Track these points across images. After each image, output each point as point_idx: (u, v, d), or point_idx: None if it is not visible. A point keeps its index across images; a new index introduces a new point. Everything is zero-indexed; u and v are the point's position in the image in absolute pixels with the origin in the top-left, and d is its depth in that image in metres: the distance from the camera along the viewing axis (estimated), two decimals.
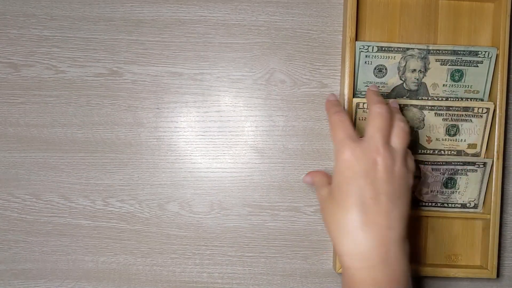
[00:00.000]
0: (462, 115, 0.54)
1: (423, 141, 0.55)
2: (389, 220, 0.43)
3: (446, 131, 0.55)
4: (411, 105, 0.54)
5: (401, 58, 0.54)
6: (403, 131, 0.46)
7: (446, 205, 0.56)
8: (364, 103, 0.53)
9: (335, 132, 0.46)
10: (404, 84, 0.55)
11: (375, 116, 0.45)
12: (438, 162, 0.54)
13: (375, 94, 0.48)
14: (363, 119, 0.54)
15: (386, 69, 0.54)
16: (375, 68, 0.54)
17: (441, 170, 0.55)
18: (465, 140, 0.55)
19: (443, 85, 0.55)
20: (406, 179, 0.45)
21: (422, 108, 0.54)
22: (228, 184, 0.57)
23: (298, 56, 0.57)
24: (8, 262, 0.57)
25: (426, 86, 0.55)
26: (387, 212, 0.43)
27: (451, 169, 0.55)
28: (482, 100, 0.55)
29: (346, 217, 0.44)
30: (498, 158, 0.54)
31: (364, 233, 0.43)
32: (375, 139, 0.44)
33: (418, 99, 0.55)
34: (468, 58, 0.54)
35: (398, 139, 0.46)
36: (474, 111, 0.54)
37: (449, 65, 0.54)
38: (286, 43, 0.56)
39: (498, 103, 0.54)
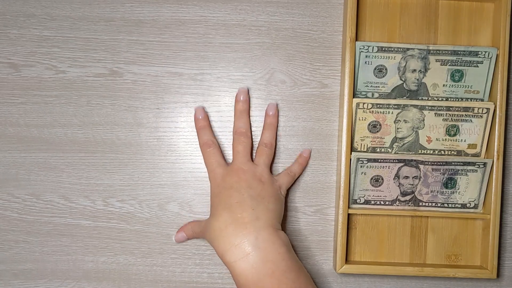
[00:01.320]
0: (462, 115, 0.54)
1: (423, 141, 0.55)
2: (255, 213, 0.49)
3: (446, 131, 0.55)
4: (411, 105, 0.54)
5: (401, 58, 0.54)
6: (264, 150, 0.54)
7: (446, 205, 0.56)
8: (364, 103, 0.54)
9: (208, 162, 0.54)
10: (404, 84, 0.55)
11: (236, 143, 0.54)
12: (438, 162, 0.54)
13: (240, 117, 0.55)
14: (363, 119, 0.54)
15: (386, 69, 0.54)
16: (375, 68, 0.54)
17: (441, 170, 0.55)
18: (465, 140, 0.55)
19: (443, 85, 0.55)
20: (271, 185, 0.52)
21: (422, 108, 0.54)
22: None
23: (298, 56, 0.57)
24: (8, 262, 0.57)
25: (426, 86, 0.55)
26: (252, 208, 0.49)
27: (451, 169, 0.55)
28: (482, 100, 0.55)
29: (218, 221, 0.49)
30: (498, 158, 0.54)
31: (234, 227, 0.48)
32: (236, 161, 0.53)
33: (418, 99, 0.55)
34: (468, 58, 0.54)
35: (260, 157, 0.54)
36: (474, 111, 0.54)
37: (449, 65, 0.55)
38: (286, 43, 0.56)
39: (498, 103, 0.54)
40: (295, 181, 0.57)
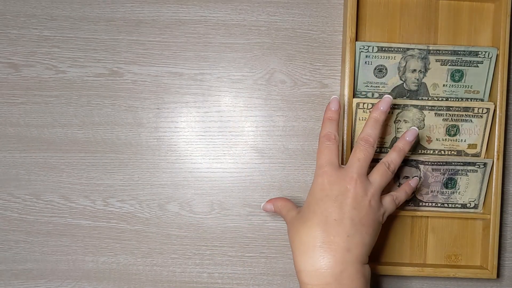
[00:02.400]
0: (462, 115, 0.54)
1: (423, 141, 0.55)
2: (349, 242, 0.45)
3: (446, 131, 0.55)
4: (411, 105, 0.54)
5: (401, 58, 0.54)
6: (385, 171, 0.49)
7: (446, 205, 0.56)
8: (364, 103, 0.53)
9: (320, 156, 0.48)
10: (404, 84, 0.55)
11: (357, 148, 0.48)
12: (438, 162, 0.54)
13: (371, 125, 0.49)
14: (363, 119, 0.54)
15: (386, 69, 0.54)
16: (375, 68, 0.54)
17: (441, 170, 0.55)
18: (465, 140, 0.55)
19: (443, 85, 0.55)
20: (376, 212, 0.48)
21: (422, 108, 0.54)
22: (228, 184, 0.57)
23: (298, 56, 0.57)
24: (8, 262, 0.57)
25: (426, 86, 0.55)
26: (348, 235, 0.45)
27: (451, 169, 0.55)
28: (482, 100, 0.55)
29: (308, 235, 0.46)
30: (498, 158, 0.54)
31: (322, 251, 0.45)
32: (352, 168, 0.47)
33: (418, 99, 0.55)
34: (468, 58, 0.54)
35: (378, 176, 0.49)
36: (474, 111, 0.54)
37: (449, 65, 0.55)
38: (286, 43, 0.57)
39: (498, 103, 0.54)
40: (294, 182, 0.57)
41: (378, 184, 0.48)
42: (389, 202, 0.50)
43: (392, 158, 0.50)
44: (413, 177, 0.54)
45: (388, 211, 0.50)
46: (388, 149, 0.55)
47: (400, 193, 0.52)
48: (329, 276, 0.44)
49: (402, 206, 0.55)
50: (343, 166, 0.49)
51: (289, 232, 0.48)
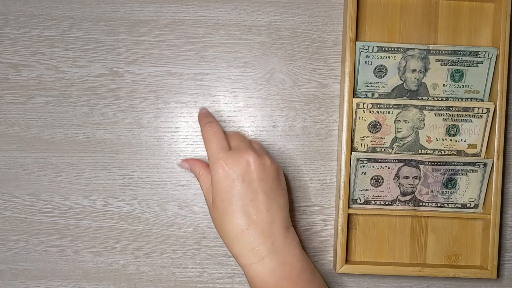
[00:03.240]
0: (462, 115, 0.54)
1: (423, 141, 0.55)
2: (270, 215, 0.47)
3: (446, 131, 0.55)
4: (411, 105, 0.54)
5: (401, 58, 0.54)
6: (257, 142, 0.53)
7: (446, 205, 0.56)
8: (364, 103, 0.54)
9: (209, 144, 0.49)
10: (404, 84, 0.55)
11: (237, 133, 0.51)
12: (438, 162, 0.54)
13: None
14: (363, 119, 0.54)
15: (386, 69, 0.54)
16: (375, 68, 0.54)
17: (441, 170, 0.55)
18: (465, 140, 0.55)
19: (443, 85, 0.55)
20: (277, 169, 0.50)
21: (422, 108, 0.54)
22: None
23: (298, 56, 0.57)
24: (8, 262, 0.57)
25: (426, 86, 0.55)
26: (266, 209, 0.47)
27: (451, 169, 0.55)
28: (482, 100, 0.55)
29: (232, 223, 0.47)
30: (498, 158, 0.54)
31: (249, 232, 0.47)
32: (241, 145, 0.49)
33: (418, 99, 0.55)
34: (468, 58, 0.54)
35: (256, 144, 0.52)
36: (474, 111, 0.54)
37: (449, 65, 0.55)
38: (286, 43, 0.56)
39: (498, 103, 0.54)
40: (294, 182, 0.57)
41: (258, 145, 0.52)
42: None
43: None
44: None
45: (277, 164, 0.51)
46: (388, 149, 0.55)
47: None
48: (263, 251, 0.47)
49: (402, 206, 0.56)
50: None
51: (212, 219, 0.49)
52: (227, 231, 0.47)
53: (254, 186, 0.47)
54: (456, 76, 0.55)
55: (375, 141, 0.55)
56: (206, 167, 0.51)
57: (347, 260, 0.55)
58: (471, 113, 0.54)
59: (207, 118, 0.51)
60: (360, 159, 0.54)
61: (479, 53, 0.54)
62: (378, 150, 0.55)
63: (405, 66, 0.54)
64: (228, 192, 0.47)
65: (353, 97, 0.54)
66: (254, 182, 0.47)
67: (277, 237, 0.47)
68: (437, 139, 0.55)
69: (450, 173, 0.55)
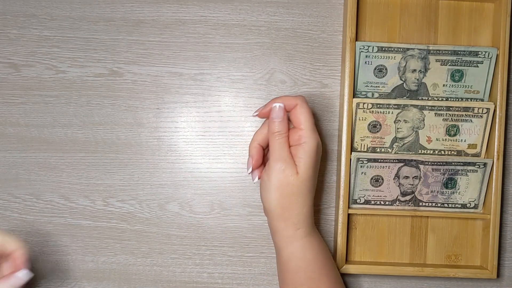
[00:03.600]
0: (462, 115, 0.54)
1: (423, 141, 0.55)
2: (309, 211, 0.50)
3: (446, 131, 0.55)
4: (411, 105, 0.54)
5: (401, 58, 0.54)
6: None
7: (446, 205, 0.56)
8: (364, 103, 0.54)
9: (308, 116, 0.48)
10: (404, 84, 0.55)
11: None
12: (439, 162, 0.54)
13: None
14: (363, 119, 0.54)
15: (386, 69, 0.54)
16: (375, 68, 0.54)
17: (442, 170, 0.55)
18: (465, 140, 0.55)
19: (443, 85, 0.55)
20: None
21: (422, 108, 0.54)
22: (229, 184, 0.57)
23: (298, 56, 0.57)
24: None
25: (426, 86, 0.55)
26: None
27: (452, 169, 0.55)
28: (482, 100, 0.55)
29: (313, 187, 0.50)
30: (498, 158, 0.54)
31: (312, 201, 0.50)
32: (309, 170, 0.49)
33: (418, 99, 0.55)
34: (468, 58, 0.54)
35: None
36: (474, 111, 0.54)
37: (449, 65, 0.55)
38: (286, 43, 0.56)
39: (498, 103, 0.54)
40: None
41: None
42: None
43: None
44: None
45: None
46: (388, 149, 0.55)
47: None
48: (311, 224, 0.50)
49: (402, 206, 0.56)
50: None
51: (287, 191, 0.48)
52: (308, 195, 0.48)
53: (303, 198, 0.49)
54: (456, 76, 0.55)
55: (375, 141, 0.55)
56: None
57: (347, 260, 0.55)
58: (471, 113, 0.54)
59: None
60: (360, 159, 0.54)
61: (479, 53, 0.54)
62: (378, 150, 0.55)
63: (405, 66, 0.54)
64: (317, 161, 0.49)
65: (353, 97, 0.54)
66: (304, 195, 0.49)
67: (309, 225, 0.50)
68: (437, 139, 0.55)
69: (450, 173, 0.55)
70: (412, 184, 0.55)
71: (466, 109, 0.54)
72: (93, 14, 0.56)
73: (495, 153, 0.54)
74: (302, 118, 0.48)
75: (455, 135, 0.55)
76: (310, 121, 0.48)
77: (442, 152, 0.55)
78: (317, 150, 0.48)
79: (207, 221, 0.57)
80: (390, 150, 0.55)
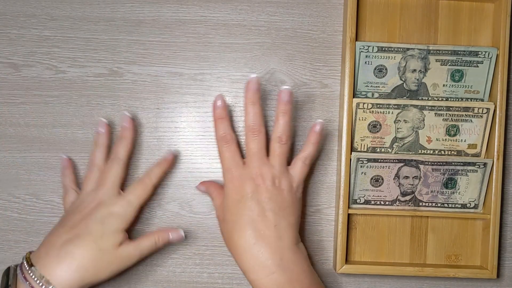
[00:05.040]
0: (462, 115, 0.54)
1: (423, 141, 0.55)
2: (277, 231, 0.48)
3: (446, 131, 0.55)
4: (411, 105, 0.54)
5: (401, 58, 0.54)
6: (279, 150, 0.50)
7: (446, 205, 0.56)
8: (364, 103, 0.54)
9: (222, 160, 0.51)
10: (404, 84, 0.55)
11: (249, 141, 0.50)
12: (439, 162, 0.54)
13: (250, 110, 0.50)
14: (363, 119, 0.54)
15: (386, 69, 0.54)
16: (375, 68, 0.54)
17: (441, 170, 0.55)
18: (465, 140, 0.55)
19: (443, 85, 0.55)
20: (289, 191, 0.50)
21: (422, 108, 0.54)
22: None
23: (298, 56, 0.57)
24: (8, 262, 0.56)
25: (426, 86, 0.55)
26: (274, 225, 0.48)
27: (452, 169, 0.55)
28: (482, 100, 0.55)
29: (241, 237, 0.48)
30: (498, 159, 0.54)
31: (258, 247, 0.48)
32: (253, 164, 0.50)
33: (418, 99, 0.55)
34: (468, 58, 0.54)
35: (276, 158, 0.50)
36: (474, 111, 0.54)
37: (449, 65, 0.55)
38: (286, 43, 0.57)
39: (498, 103, 0.54)
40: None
41: (279, 164, 0.50)
42: (298, 169, 0.51)
43: (280, 129, 0.50)
44: (317, 122, 0.51)
45: (302, 178, 0.51)
46: (388, 149, 0.55)
47: (308, 148, 0.51)
48: (272, 266, 0.47)
49: (402, 206, 0.56)
50: (244, 160, 0.51)
51: (222, 234, 0.51)
52: (237, 245, 0.48)
53: (262, 205, 0.49)
54: (456, 76, 0.55)
55: (375, 141, 0.55)
56: (220, 187, 0.53)
57: (347, 260, 0.55)
58: (471, 113, 0.54)
59: (222, 130, 0.51)
60: (360, 159, 0.54)
61: (479, 53, 0.54)
62: (378, 150, 0.55)
63: (405, 66, 0.54)
64: (237, 207, 0.49)
65: (353, 97, 0.54)
66: (262, 201, 0.49)
67: (285, 253, 0.48)
68: (437, 139, 0.55)
69: (450, 173, 0.55)
70: (412, 184, 0.55)
71: (466, 109, 0.54)
72: (93, 14, 0.56)
73: (495, 153, 0.54)
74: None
75: (455, 135, 0.55)
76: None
77: (442, 152, 0.55)
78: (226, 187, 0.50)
79: (207, 221, 0.57)
80: (390, 150, 0.55)
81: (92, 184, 0.52)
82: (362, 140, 0.55)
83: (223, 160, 0.51)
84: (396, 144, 0.55)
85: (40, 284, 0.45)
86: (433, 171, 0.55)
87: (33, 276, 0.46)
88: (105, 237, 0.48)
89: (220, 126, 0.51)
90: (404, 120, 0.54)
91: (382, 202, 0.55)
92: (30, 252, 0.49)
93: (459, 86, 0.55)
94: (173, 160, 0.55)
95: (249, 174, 0.50)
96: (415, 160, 0.54)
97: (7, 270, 0.48)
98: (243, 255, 0.48)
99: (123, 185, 0.53)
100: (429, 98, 0.55)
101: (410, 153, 0.55)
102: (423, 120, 0.54)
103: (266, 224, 0.48)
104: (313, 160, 0.53)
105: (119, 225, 0.49)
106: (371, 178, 0.55)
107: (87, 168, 0.53)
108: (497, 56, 0.54)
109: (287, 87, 0.51)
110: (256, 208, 0.49)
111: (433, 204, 0.56)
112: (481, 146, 0.55)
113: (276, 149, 0.50)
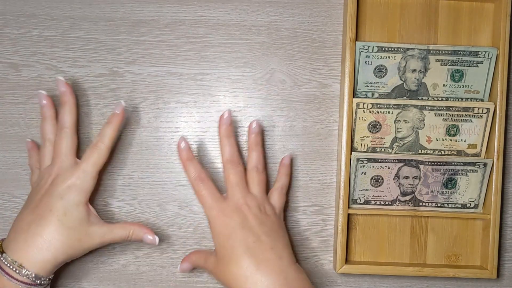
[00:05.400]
0: (462, 115, 0.54)
1: (423, 141, 0.55)
2: (276, 252, 0.48)
3: (446, 131, 0.55)
4: (411, 105, 0.54)
5: (401, 58, 0.54)
6: (257, 178, 0.52)
7: (446, 205, 0.56)
8: (364, 103, 0.54)
9: (202, 199, 0.51)
10: (404, 84, 0.55)
11: (229, 173, 0.51)
12: (438, 162, 0.54)
13: (226, 143, 0.51)
14: (363, 119, 0.54)
15: (386, 69, 0.54)
16: (375, 68, 0.54)
17: (441, 170, 0.55)
18: (465, 140, 0.55)
19: (443, 85, 0.55)
20: (274, 215, 0.52)
21: (422, 108, 0.54)
22: None
23: (298, 56, 0.57)
24: None
25: (426, 86, 0.55)
26: (272, 247, 0.48)
27: (451, 169, 0.55)
28: (482, 100, 0.55)
29: (240, 267, 0.47)
30: (498, 158, 0.54)
31: (261, 271, 0.47)
32: (236, 196, 0.50)
33: (418, 99, 0.55)
34: (468, 58, 0.54)
35: (256, 187, 0.52)
36: (474, 111, 0.54)
37: (449, 65, 0.55)
38: (286, 43, 0.56)
39: (498, 103, 0.54)
40: (294, 183, 0.57)
41: (259, 192, 0.52)
42: (277, 197, 0.53)
43: (254, 159, 0.52)
44: (285, 156, 0.55)
45: (282, 205, 0.54)
46: (388, 149, 0.55)
47: (282, 179, 0.54)
48: (279, 287, 0.46)
49: (402, 206, 0.56)
50: (225, 194, 0.51)
51: (218, 277, 0.49)
52: (237, 275, 0.47)
53: (254, 230, 0.49)
54: (456, 76, 0.55)
55: (375, 141, 0.55)
56: (201, 252, 0.53)
57: (347, 260, 0.55)
58: (471, 113, 0.54)
59: (192, 168, 0.51)
60: (360, 159, 0.54)
61: (479, 53, 0.54)
62: (378, 150, 0.55)
63: (405, 66, 0.54)
64: (230, 239, 0.48)
65: (353, 97, 0.54)
66: (253, 227, 0.49)
67: (289, 272, 0.48)
68: (437, 139, 0.55)
69: (450, 173, 0.55)
70: (412, 184, 0.55)
71: (466, 109, 0.54)
72: (93, 14, 0.56)
73: (495, 153, 0.54)
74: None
75: (455, 135, 0.55)
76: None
77: (442, 152, 0.55)
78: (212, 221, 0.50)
79: (207, 221, 0.57)
80: (390, 150, 0.55)
81: (48, 160, 0.51)
82: (362, 140, 0.55)
83: (203, 199, 0.50)
84: (396, 144, 0.55)
85: (14, 269, 0.46)
86: (433, 171, 0.55)
87: (6, 262, 0.46)
88: (68, 213, 0.48)
89: (190, 168, 0.51)
90: (404, 120, 0.54)
91: (382, 202, 0.55)
92: (2, 240, 0.49)
93: (459, 86, 0.55)
94: (123, 114, 0.51)
95: (234, 205, 0.50)
96: (415, 160, 0.54)
97: None
98: (246, 284, 0.46)
99: (78, 153, 0.52)
100: (429, 98, 0.55)
101: (410, 153, 0.55)
102: (423, 120, 0.54)
103: (263, 248, 0.48)
104: (287, 189, 0.55)
105: (79, 198, 0.49)
106: (371, 178, 0.55)
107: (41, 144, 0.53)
108: (497, 56, 0.54)
109: (255, 119, 0.53)
110: (249, 235, 0.48)
111: (433, 204, 0.56)
112: (481, 146, 0.55)
113: (255, 178, 0.52)
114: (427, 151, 0.55)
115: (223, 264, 0.48)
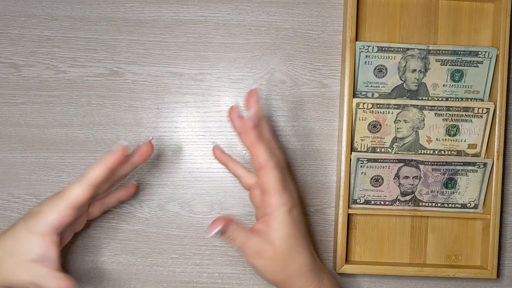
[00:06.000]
0: (462, 115, 0.54)
1: (423, 141, 0.55)
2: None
3: (446, 131, 0.55)
4: (411, 105, 0.54)
5: (401, 58, 0.54)
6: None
7: (446, 205, 0.56)
8: (364, 103, 0.54)
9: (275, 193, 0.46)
10: (404, 84, 0.55)
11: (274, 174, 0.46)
12: (438, 162, 0.54)
13: (262, 156, 0.46)
14: (363, 119, 0.54)
15: (386, 69, 0.54)
16: (375, 68, 0.54)
17: (441, 170, 0.55)
18: (465, 140, 0.55)
19: (443, 85, 0.55)
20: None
21: (422, 108, 0.54)
22: (228, 184, 0.57)
23: (298, 56, 0.57)
24: None
25: (426, 86, 0.55)
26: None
27: (451, 169, 0.55)
28: (482, 100, 0.55)
29: (306, 256, 0.48)
30: (498, 158, 0.54)
31: (316, 260, 0.49)
32: (283, 193, 0.46)
33: (418, 99, 0.55)
34: (468, 58, 0.54)
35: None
36: (474, 111, 0.54)
37: (449, 65, 0.55)
38: (286, 43, 0.57)
39: (498, 103, 0.54)
40: (294, 181, 0.57)
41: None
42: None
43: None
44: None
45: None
46: (388, 149, 0.55)
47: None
48: (326, 273, 0.50)
49: (402, 206, 0.55)
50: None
51: (274, 271, 0.47)
52: (301, 265, 0.47)
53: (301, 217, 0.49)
54: (456, 76, 0.55)
55: (375, 141, 0.55)
56: (242, 227, 0.48)
57: (347, 260, 0.55)
58: (471, 113, 0.54)
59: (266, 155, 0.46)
60: (360, 159, 0.54)
61: (479, 53, 0.54)
62: (378, 150, 0.55)
63: (405, 66, 0.54)
64: (296, 225, 0.47)
65: (353, 97, 0.54)
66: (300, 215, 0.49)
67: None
68: (437, 139, 0.55)
69: (450, 173, 0.55)
70: (412, 184, 0.55)
71: (466, 109, 0.54)
72: (94, 14, 0.56)
73: (495, 153, 0.54)
74: (269, 183, 0.45)
75: (455, 135, 0.55)
76: (279, 186, 0.45)
77: (442, 152, 0.55)
78: (291, 215, 0.46)
79: (207, 221, 0.57)
80: (390, 150, 0.55)
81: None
82: (362, 140, 0.55)
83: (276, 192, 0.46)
84: (396, 144, 0.55)
85: None
86: (433, 171, 0.55)
87: None
88: None
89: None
90: (404, 120, 0.54)
91: (382, 202, 0.55)
92: None
93: (459, 86, 0.55)
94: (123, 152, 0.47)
95: (285, 205, 0.46)
96: (415, 160, 0.54)
97: None
98: (308, 272, 0.48)
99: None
100: (429, 98, 0.55)
101: (410, 153, 0.55)
102: (423, 120, 0.54)
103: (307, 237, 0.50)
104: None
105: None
106: (371, 178, 0.55)
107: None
108: (497, 56, 0.54)
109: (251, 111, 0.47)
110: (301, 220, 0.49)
111: (433, 204, 0.56)
112: (481, 146, 0.55)
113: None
114: (427, 151, 0.55)
115: (283, 251, 0.46)
